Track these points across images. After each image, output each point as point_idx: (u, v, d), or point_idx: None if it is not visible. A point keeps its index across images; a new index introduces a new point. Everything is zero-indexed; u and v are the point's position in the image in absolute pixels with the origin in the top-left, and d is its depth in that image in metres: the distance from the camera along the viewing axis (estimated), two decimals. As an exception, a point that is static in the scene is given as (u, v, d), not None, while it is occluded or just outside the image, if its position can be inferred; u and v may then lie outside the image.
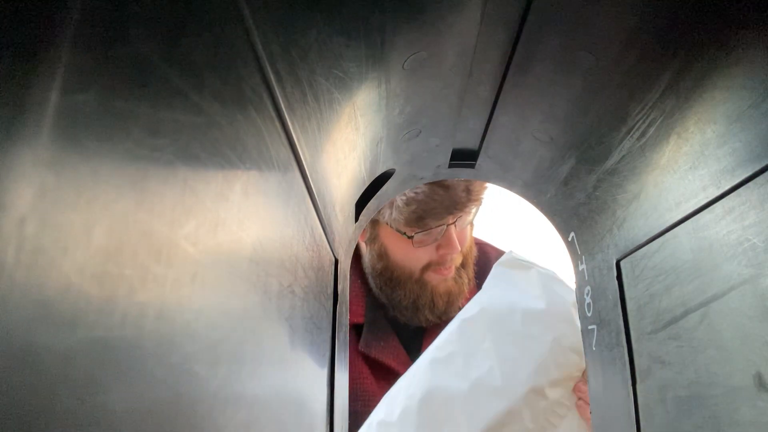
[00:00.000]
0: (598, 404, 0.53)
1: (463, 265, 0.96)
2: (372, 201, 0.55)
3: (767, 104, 0.28)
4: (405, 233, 0.88)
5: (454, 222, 0.89)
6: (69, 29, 0.11)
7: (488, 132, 0.49)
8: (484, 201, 0.94)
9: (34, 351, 0.10)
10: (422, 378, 0.69)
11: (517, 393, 0.64)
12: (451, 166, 0.56)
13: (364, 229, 0.91)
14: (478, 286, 1.07)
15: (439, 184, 0.84)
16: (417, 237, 0.88)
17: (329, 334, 0.44)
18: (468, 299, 1.01)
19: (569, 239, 0.58)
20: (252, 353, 0.23)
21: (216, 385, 0.19)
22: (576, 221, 0.55)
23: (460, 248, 0.91)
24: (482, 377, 0.66)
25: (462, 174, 0.59)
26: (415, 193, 0.83)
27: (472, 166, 0.57)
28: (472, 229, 1.00)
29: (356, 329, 0.95)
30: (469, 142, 0.53)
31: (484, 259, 1.08)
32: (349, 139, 0.38)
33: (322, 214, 0.38)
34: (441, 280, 0.93)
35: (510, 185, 0.60)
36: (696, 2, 0.29)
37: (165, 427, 0.15)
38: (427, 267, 0.92)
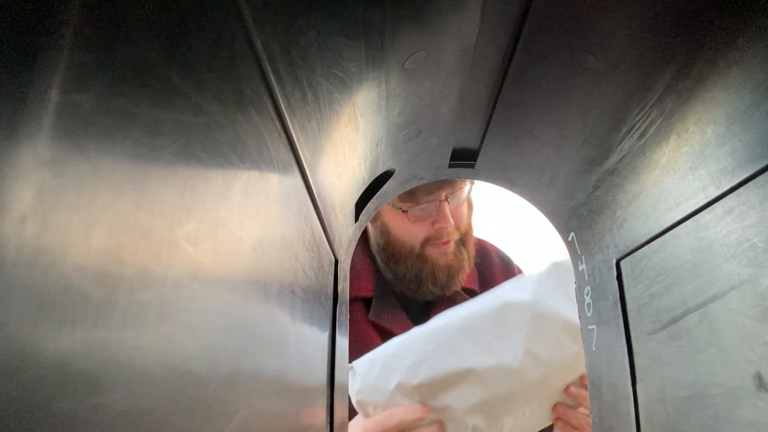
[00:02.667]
0: (598, 404, 0.53)
1: (462, 242, 1.00)
2: (372, 201, 0.55)
3: (767, 104, 0.28)
4: (400, 208, 0.93)
5: (446, 198, 0.93)
6: (69, 29, 0.11)
7: (488, 132, 0.49)
8: (472, 183, 0.97)
9: (34, 351, 0.10)
10: (445, 340, 0.71)
11: (527, 381, 0.68)
12: (451, 166, 0.56)
13: None
14: (480, 278, 1.09)
15: None
16: (411, 212, 0.93)
17: (329, 334, 0.44)
18: (468, 279, 1.05)
19: (569, 239, 0.58)
20: (252, 353, 0.23)
21: (216, 385, 0.19)
22: (576, 221, 0.55)
23: (454, 223, 0.95)
24: (503, 361, 0.69)
25: (462, 174, 0.59)
26: None
27: (472, 166, 0.57)
28: (470, 211, 1.04)
29: (365, 302, 1.01)
30: (469, 142, 0.53)
31: (483, 253, 1.13)
32: (349, 139, 0.38)
33: (322, 214, 0.38)
34: (441, 254, 0.98)
35: (510, 185, 0.60)
36: (696, 2, 0.29)
37: (165, 427, 0.15)
38: (426, 242, 0.97)
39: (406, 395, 0.69)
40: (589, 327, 0.55)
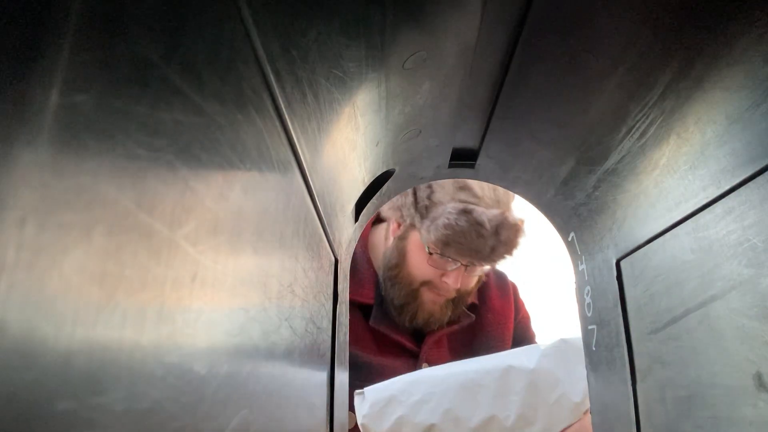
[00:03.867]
0: (598, 404, 0.53)
1: (454, 301, 1.06)
2: (372, 201, 0.55)
3: (767, 104, 0.28)
4: (428, 247, 0.98)
5: (467, 266, 0.99)
6: (69, 29, 0.11)
7: (488, 132, 0.49)
8: (498, 265, 1.03)
9: (34, 351, 0.10)
10: (450, 387, 0.76)
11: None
12: (451, 166, 0.56)
13: (398, 224, 1.02)
14: (478, 293, 1.14)
15: (478, 229, 0.93)
16: (434, 257, 0.98)
17: (329, 334, 0.44)
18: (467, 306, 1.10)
19: (569, 239, 0.58)
20: (252, 353, 0.23)
21: (216, 385, 0.19)
22: (576, 221, 0.55)
23: (458, 286, 1.01)
24: (497, 418, 0.74)
25: (462, 174, 0.59)
26: (456, 223, 0.93)
27: (472, 167, 0.57)
28: (478, 283, 1.09)
29: (364, 308, 1.05)
30: (469, 142, 0.53)
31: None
32: (349, 139, 0.38)
33: (322, 214, 0.38)
34: (430, 301, 1.03)
35: (510, 185, 0.60)
36: (696, 2, 0.29)
37: (165, 427, 0.15)
38: (426, 283, 1.02)
39: (405, 429, 0.74)
40: (589, 327, 0.55)
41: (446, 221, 0.93)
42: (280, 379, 0.28)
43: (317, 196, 0.36)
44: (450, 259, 0.97)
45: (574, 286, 0.59)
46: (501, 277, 1.20)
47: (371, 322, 1.03)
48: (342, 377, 0.49)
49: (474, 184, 0.97)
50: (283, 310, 0.28)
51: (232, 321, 0.21)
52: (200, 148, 0.17)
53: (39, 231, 0.10)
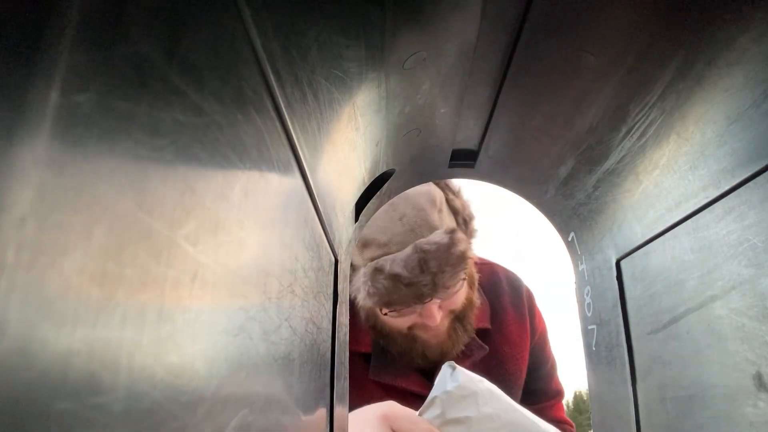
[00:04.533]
0: (598, 404, 0.53)
1: (459, 318, 0.94)
2: (372, 201, 0.55)
3: (767, 104, 0.28)
4: (379, 310, 0.89)
5: (430, 300, 0.87)
6: (69, 29, 0.11)
7: (488, 132, 0.49)
8: (464, 279, 0.90)
9: (34, 351, 0.10)
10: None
11: None
12: (451, 166, 0.56)
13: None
14: (491, 313, 1.03)
15: (399, 280, 0.81)
16: (392, 314, 0.88)
17: (329, 334, 0.44)
18: (479, 317, 0.99)
19: (569, 239, 0.58)
20: (252, 353, 0.23)
21: (216, 385, 0.19)
22: (576, 221, 0.55)
23: (445, 313, 0.90)
24: None
25: (462, 174, 0.59)
26: (376, 287, 0.82)
27: (472, 166, 0.57)
28: (472, 287, 0.97)
29: (365, 357, 0.96)
30: (469, 142, 0.53)
31: (493, 281, 1.08)
32: (349, 139, 0.38)
33: (322, 214, 0.38)
34: (432, 337, 0.92)
35: (510, 185, 0.60)
36: (696, 2, 0.29)
37: (165, 427, 0.15)
38: (412, 327, 0.92)
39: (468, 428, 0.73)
40: (589, 327, 0.55)
41: (367, 290, 0.83)
42: (280, 379, 0.28)
43: (317, 196, 0.36)
44: (406, 309, 0.86)
45: (574, 286, 0.59)
46: (516, 289, 1.08)
47: (370, 374, 0.94)
48: (342, 377, 0.49)
49: (376, 229, 0.83)
50: (283, 310, 0.28)
51: (232, 321, 0.21)
52: (200, 148, 0.17)
53: (39, 231, 0.10)
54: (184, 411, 0.16)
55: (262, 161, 0.24)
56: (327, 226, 0.41)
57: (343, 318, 0.50)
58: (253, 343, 0.23)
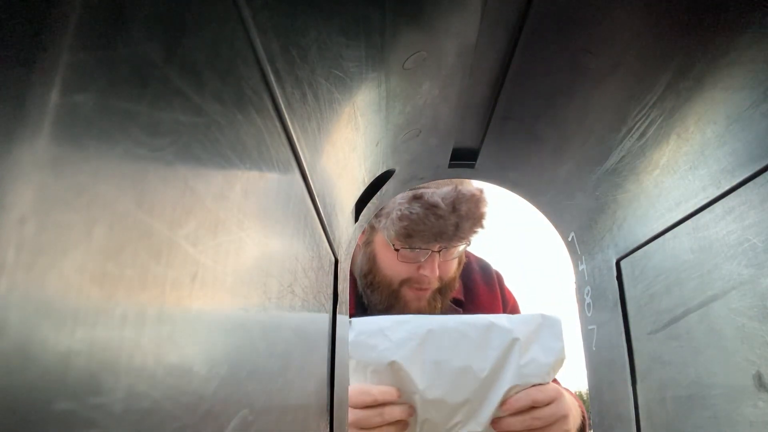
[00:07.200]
0: (598, 404, 0.53)
1: (440, 291, 1.01)
2: (372, 201, 0.55)
3: (767, 104, 0.28)
4: (393, 245, 0.94)
5: (439, 251, 0.95)
6: (69, 29, 0.11)
7: (488, 132, 0.49)
8: (472, 241, 0.98)
9: (34, 351, 0.10)
10: (433, 331, 0.78)
11: (484, 393, 0.77)
12: (451, 166, 0.56)
13: (363, 231, 0.97)
14: (464, 288, 1.11)
15: (434, 210, 0.89)
16: (402, 252, 0.94)
17: (329, 334, 0.44)
18: (454, 291, 1.06)
19: (569, 239, 0.58)
20: (252, 353, 0.23)
21: (216, 385, 0.19)
22: (576, 221, 0.55)
23: (438, 275, 0.97)
24: (472, 368, 0.77)
25: (462, 174, 0.59)
26: (410, 211, 0.89)
27: (472, 166, 0.57)
28: (459, 266, 1.05)
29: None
30: (469, 142, 0.53)
31: (465, 263, 1.13)
32: (349, 139, 0.38)
33: (322, 214, 0.38)
34: (415, 299, 0.99)
35: (510, 185, 0.60)
36: (696, 2, 0.29)
37: (165, 427, 0.15)
38: (405, 281, 0.99)
39: (380, 365, 0.76)
40: (589, 327, 0.55)
41: (400, 213, 0.90)
42: (280, 379, 0.28)
43: (317, 196, 0.36)
44: (419, 249, 0.93)
45: (574, 286, 0.59)
46: (485, 269, 1.17)
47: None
48: (342, 377, 0.49)
49: None
50: (283, 310, 0.28)
51: (232, 321, 0.21)
52: (200, 148, 0.17)
53: (39, 231, 0.10)
54: (184, 411, 0.16)
55: (262, 161, 0.24)
56: (327, 226, 0.41)
57: (344, 317, 0.50)
58: (252, 342, 0.23)
